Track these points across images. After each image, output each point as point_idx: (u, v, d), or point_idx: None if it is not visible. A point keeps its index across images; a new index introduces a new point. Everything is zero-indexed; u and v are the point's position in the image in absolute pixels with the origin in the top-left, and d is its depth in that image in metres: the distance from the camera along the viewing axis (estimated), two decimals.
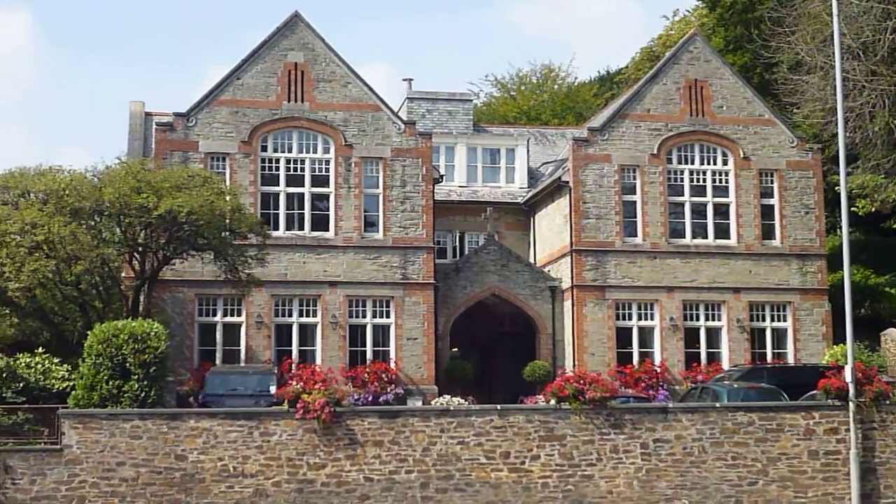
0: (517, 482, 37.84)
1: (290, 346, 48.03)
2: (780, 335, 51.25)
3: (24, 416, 36.72)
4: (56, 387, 38.68)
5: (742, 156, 51.80)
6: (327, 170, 49.25)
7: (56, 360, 39.68)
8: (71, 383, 38.44)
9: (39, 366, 39.09)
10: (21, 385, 37.88)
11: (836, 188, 46.32)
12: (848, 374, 39.27)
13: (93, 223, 42.75)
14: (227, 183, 47.03)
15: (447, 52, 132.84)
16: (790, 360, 50.26)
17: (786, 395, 40.33)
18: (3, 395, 37.31)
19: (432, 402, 42.49)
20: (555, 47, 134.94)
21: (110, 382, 37.27)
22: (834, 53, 42.78)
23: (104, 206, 41.82)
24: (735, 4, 65.98)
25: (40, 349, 40.33)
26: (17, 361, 38.77)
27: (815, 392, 40.10)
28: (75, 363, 38.86)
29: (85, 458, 36.25)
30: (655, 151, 51.39)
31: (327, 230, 48.89)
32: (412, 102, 60.93)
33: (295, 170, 49.14)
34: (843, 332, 41.87)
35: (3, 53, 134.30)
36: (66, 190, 41.67)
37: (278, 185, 48.95)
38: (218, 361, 46.59)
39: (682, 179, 51.78)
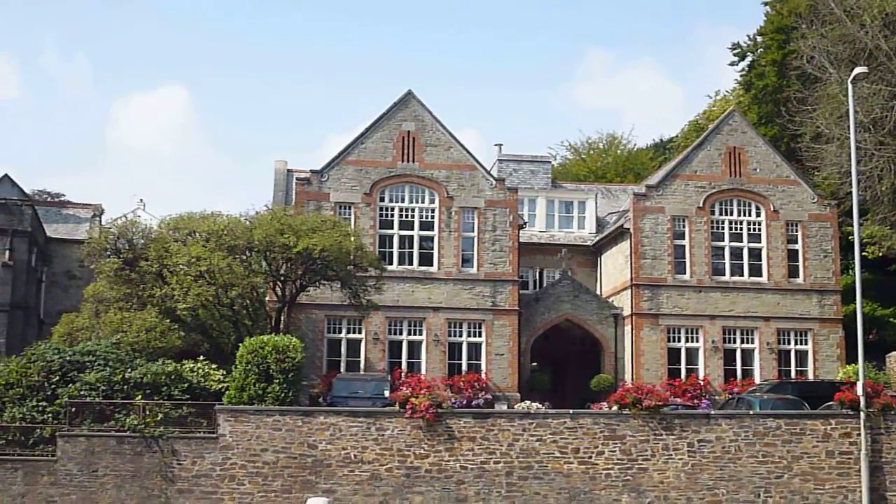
0: (585, 473, 37.59)
1: (401, 358, 48.00)
2: (802, 356, 50.51)
3: (188, 410, 37.10)
4: (213, 387, 38.88)
5: (772, 209, 51.27)
6: (432, 217, 49.34)
7: (213, 366, 39.90)
8: (225, 385, 38.71)
9: (200, 370, 39.34)
10: (186, 386, 38.14)
11: (850, 237, 45.70)
12: (859, 388, 38.75)
13: (244, 257, 43.13)
14: (352, 226, 47.30)
15: (528, 122, 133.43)
16: (810, 376, 49.59)
17: (807, 405, 39.80)
18: (172, 393, 37.62)
19: (515, 407, 42.16)
20: (614, 119, 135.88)
21: (257, 385, 37.64)
22: (849, 127, 42.28)
23: (254, 244, 42.19)
24: (766, 86, 65.39)
25: (201, 357, 40.62)
26: (183, 367, 39.05)
27: (831, 403, 39.57)
28: (229, 369, 39.16)
29: (236, 445, 36.57)
30: (701, 205, 51.01)
31: (432, 265, 48.94)
32: (501, 163, 60.92)
33: (406, 216, 49.30)
34: (854, 354, 41.45)
35: (171, 123, 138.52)
36: (223, 231, 42.25)
37: (393, 228, 49.11)
38: (342, 370, 46.65)
39: (722, 228, 51.30)
